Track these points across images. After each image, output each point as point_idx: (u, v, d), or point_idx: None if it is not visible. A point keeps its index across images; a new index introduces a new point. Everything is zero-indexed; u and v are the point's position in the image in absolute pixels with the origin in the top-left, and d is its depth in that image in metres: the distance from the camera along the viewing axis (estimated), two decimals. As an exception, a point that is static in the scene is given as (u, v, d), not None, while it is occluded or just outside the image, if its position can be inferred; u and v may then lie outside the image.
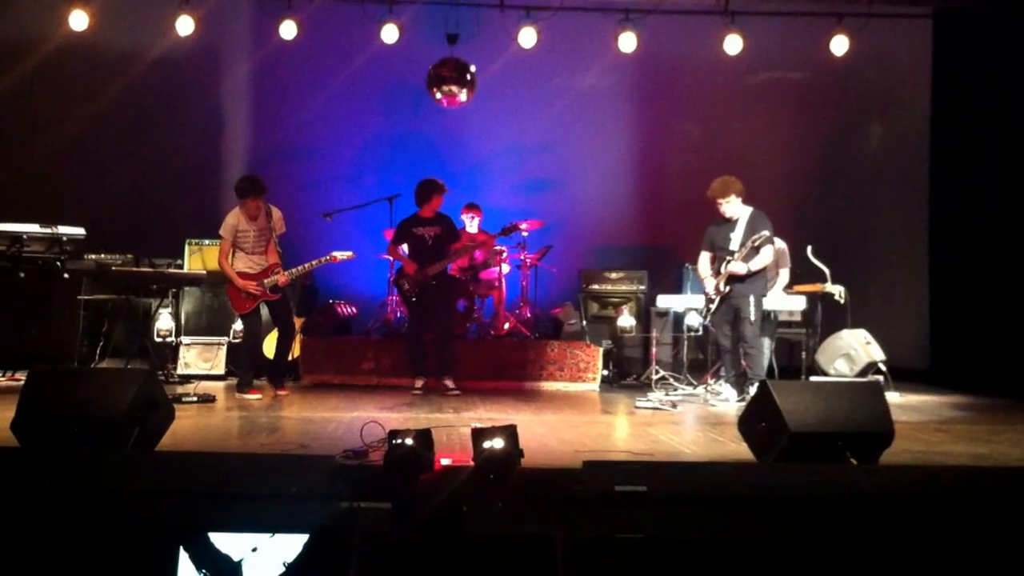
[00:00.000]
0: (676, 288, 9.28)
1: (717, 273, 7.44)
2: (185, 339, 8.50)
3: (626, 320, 8.84)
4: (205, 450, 4.76)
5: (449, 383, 7.73)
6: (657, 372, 8.26)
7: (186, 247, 8.93)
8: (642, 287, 9.36)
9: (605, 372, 8.57)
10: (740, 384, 7.38)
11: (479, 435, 4.06)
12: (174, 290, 8.50)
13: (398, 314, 8.94)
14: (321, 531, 3.78)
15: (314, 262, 7.43)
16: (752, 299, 7.27)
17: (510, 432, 4.06)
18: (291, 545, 3.78)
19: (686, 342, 8.35)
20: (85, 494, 3.87)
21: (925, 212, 9.85)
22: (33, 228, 7.87)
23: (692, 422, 6.49)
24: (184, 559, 3.75)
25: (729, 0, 9.09)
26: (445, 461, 4.16)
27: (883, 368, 8.16)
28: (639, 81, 10.39)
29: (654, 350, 8.51)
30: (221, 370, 8.34)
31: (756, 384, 5.63)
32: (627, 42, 9.34)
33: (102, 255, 8.84)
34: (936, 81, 9.69)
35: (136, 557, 3.75)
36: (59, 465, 3.96)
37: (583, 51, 10.05)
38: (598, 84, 10.36)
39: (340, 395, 7.56)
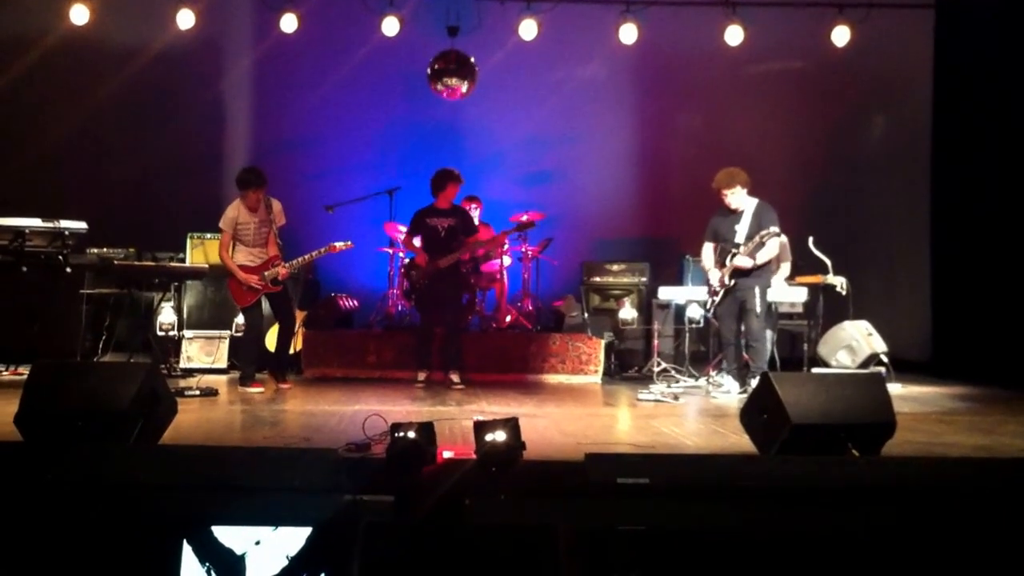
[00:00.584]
0: (677, 280, 9.28)
1: (721, 264, 7.43)
2: (187, 333, 8.51)
3: (628, 312, 8.84)
4: (208, 444, 4.77)
5: (454, 377, 7.71)
6: (659, 364, 8.26)
7: (188, 241, 8.93)
8: (643, 279, 9.36)
9: (607, 364, 8.57)
10: (742, 376, 7.38)
11: (481, 428, 4.07)
12: (176, 284, 8.50)
13: (399, 307, 8.95)
14: (324, 524, 3.79)
15: (314, 253, 7.42)
16: (758, 291, 7.25)
17: (512, 425, 4.07)
18: (294, 538, 3.79)
19: (688, 334, 8.35)
20: (88, 488, 3.87)
21: (927, 202, 9.85)
22: (35, 222, 7.86)
23: (694, 414, 6.49)
24: (187, 552, 3.76)
25: (730, -9, 9.10)
26: (447, 454, 4.17)
27: (885, 359, 8.16)
28: (640, 73, 10.38)
29: (656, 342, 8.51)
30: (223, 364, 8.35)
31: (758, 376, 5.63)
32: (628, 33, 9.34)
33: (104, 249, 8.85)
34: (938, 71, 9.68)
35: (139, 551, 3.76)
36: (62, 459, 3.97)
37: (584, 43, 10.04)
38: (599, 76, 10.35)
39: (342, 388, 7.56)
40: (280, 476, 3.95)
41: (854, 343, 8.27)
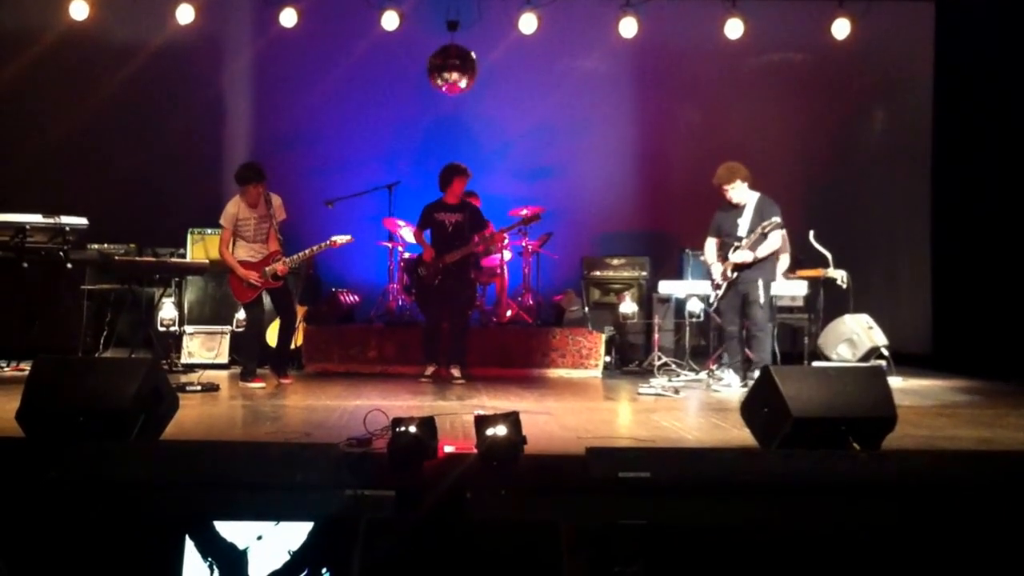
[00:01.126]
0: (678, 274, 9.28)
1: (724, 259, 7.43)
2: (188, 328, 8.51)
3: (628, 306, 8.84)
4: (209, 439, 4.76)
5: (456, 372, 7.70)
6: (659, 358, 8.26)
7: (189, 236, 8.94)
8: (644, 273, 9.36)
9: (607, 359, 8.56)
10: (743, 370, 7.39)
11: (482, 422, 4.07)
12: (177, 279, 8.49)
13: (400, 302, 8.95)
14: (326, 519, 3.80)
15: (314, 248, 7.41)
16: (761, 283, 7.25)
17: (513, 419, 4.08)
18: (296, 533, 3.79)
19: (688, 328, 8.35)
20: (90, 484, 3.88)
21: (928, 196, 9.84)
22: (36, 218, 7.86)
23: (695, 408, 6.50)
24: (190, 548, 3.77)
25: (730, -16, 9.08)
26: (449, 448, 4.18)
27: (886, 353, 8.16)
28: (640, 66, 10.35)
29: (656, 336, 8.52)
30: (224, 359, 8.35)
31: (759, 370, 5.63)
32: (628, 27, 9.33)
33: (105, 245, 8.85)
34: (939, 66, 9.67)
35: (142, 547, 3.77)
36: (64, 455, 3.98)
37: (584, 37, 10.02)
38: (599, 70, 10.33)
39: (343, 383, 7.57)
40: (282, 471, 3.95)
41: (855, 337, 8.26)
